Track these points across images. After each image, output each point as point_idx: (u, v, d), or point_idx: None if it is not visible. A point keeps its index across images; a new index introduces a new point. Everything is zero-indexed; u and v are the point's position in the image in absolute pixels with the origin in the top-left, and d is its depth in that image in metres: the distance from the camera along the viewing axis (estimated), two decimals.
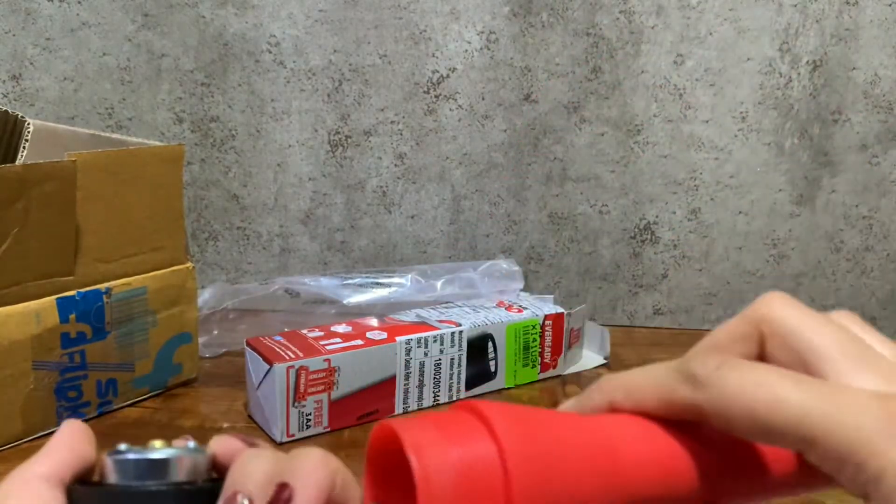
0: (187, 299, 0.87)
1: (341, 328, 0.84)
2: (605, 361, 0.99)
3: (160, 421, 0.82)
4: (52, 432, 0.77)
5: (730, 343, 0.32)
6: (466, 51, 1.11)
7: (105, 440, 0.78)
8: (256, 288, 1.02)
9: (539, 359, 0.92)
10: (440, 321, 0.87)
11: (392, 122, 1.13)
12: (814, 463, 0.27)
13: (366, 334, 0.82)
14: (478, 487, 0.27)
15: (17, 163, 0.75)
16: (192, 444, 0.30)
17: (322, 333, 0.82)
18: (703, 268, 1.18)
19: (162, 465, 0.29)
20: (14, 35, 1.10)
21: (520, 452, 0.27)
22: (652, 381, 0.31)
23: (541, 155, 1.14)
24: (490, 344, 0.88)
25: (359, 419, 0.80)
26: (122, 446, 0.29)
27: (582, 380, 0.95)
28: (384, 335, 0.82)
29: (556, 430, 0.29)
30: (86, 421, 0.78)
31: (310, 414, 0.77)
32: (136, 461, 0.29)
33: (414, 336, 0.82)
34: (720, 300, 1.19)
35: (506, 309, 0.92)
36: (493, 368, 0.89)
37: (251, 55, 1.11)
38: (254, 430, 0.78)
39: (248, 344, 0.79)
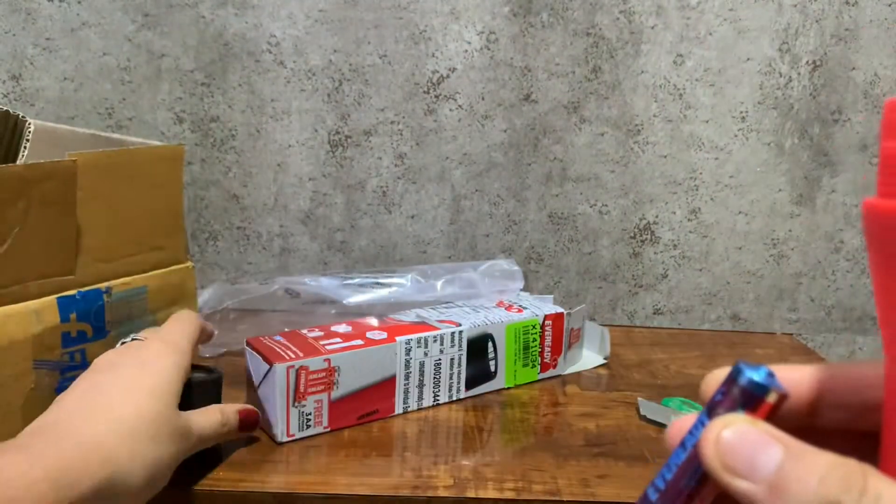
0: (187, 299, 0.87)
1: (341, 328, 0.84)
2: (604, 361, 0.99)
3: None
4: None
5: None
6: (466, 51, 1.11)
7: None
8: (256, 288, 1.01)
9: (539, 359, 0.92)
10: (440, 321, 0.87)
11: (392, 122, 1.13)
12: None
13: (366, 334, 0.82)
14: None
15: (18, 163, 0.75)
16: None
17: (322, 333, 0.82)
18: (702, 268, 1.18)
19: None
20: (14, 35, 1.10)
21: None
22: None
23: (541, 155, 1.14)
24: (490, 344, 0.88)
25: (359, 419, 0.80)
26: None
27: (582, 380, 0.95)
28: (384, 335, 0.82)
29: None
30: None
31: (310, 414, 0.77)
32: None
33: (414, 336, 0.82)
34: (720, 300, 1.19)
35: (506, 309, 0.92)
36: (492, 368, 0.89)
37: (251, 55, 1.11)
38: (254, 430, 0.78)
39: (248, 344, 0.79)
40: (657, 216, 1.16)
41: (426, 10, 1.10)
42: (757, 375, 0.31)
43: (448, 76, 1.12)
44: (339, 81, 1.12)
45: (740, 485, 0.28)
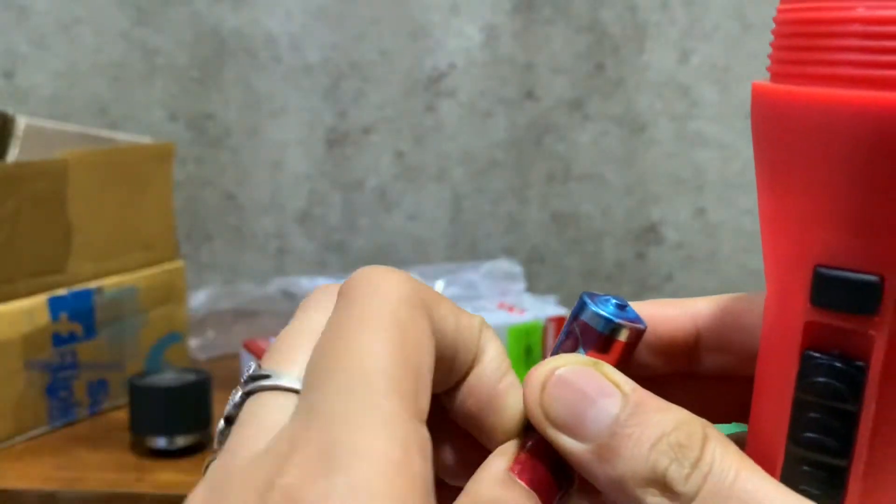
0: (177, 298, 0.87)
1: None
2: None
3: None
4: (43, 433, 0.76)
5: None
6: (467, 47, 1.10)
7: (98, 442, 0.76)
8: (252, 289, 1.01)
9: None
10: None
11: (391, 120, 1.12)
12: None
13: None
14: None
15: (8, 161, 0.76)
16: None
17: None
18: (709, 269, 1.17)
19: None
20: (7, 32, 1.09)
21: None
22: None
23: (543, 153, 1.13)
24: None
25: None
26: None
27: None
28: None
29: None
30: (77, 422, 0.77)
31: None
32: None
33: None
34: None
35: (507, 310, 0.91)
36: None
37: (247, 51, 1.10)
38: None
39: (245, 346, 0.78)
40: (662, 216, 1.15)
41: (426, 5, 1.09)
42: (604, 309, 0.26)
43: (448, 73, 1.11)
44: (336, 78, 1.11)
45: (565, 443, 0.23)
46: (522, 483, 0.24)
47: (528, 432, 0.26)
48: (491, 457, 0.25)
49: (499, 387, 0.27)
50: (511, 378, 0.27)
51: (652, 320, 0.28)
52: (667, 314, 0.28)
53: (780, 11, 0.21)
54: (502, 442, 0.26)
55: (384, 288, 0.24)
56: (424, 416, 0.22)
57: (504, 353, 0.28)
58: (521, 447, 0.25)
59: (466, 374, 0.27)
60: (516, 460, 0.25)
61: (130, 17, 1.09)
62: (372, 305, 0.23)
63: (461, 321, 0.26)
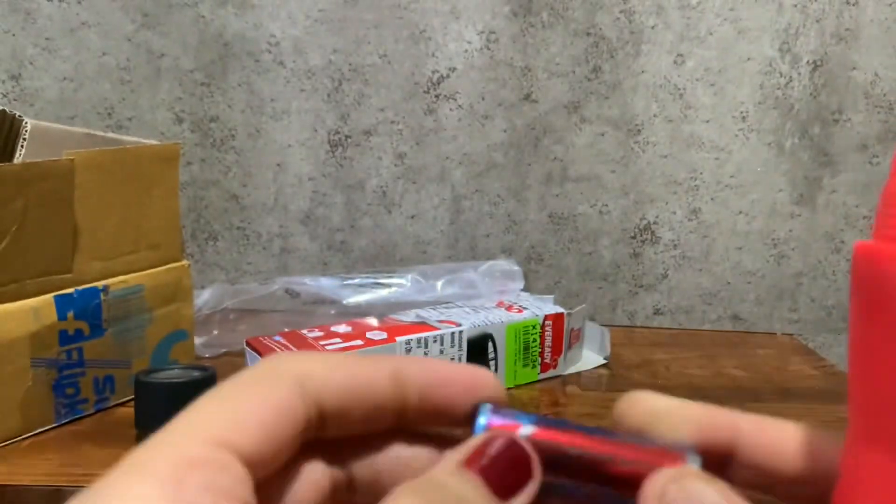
0: (183, 297, 0.87)
1: (341, 328, 0.84)
2: (605, 361, 0.99)
3: None
4: (49, 429, 0.77)
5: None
6: (466, 50, 1.11)
7: (104, 438, 0.77)
8: (256, 288, 1.01)
9: (539, 359, 0.91)
10: (440, 321, 0.86)
11: (392, 122, 1.13)
12: None
13: (366, 334, 0.82)
14: None
15: (15, 162, 0.76)
16: None
17: (322, 334, 0.82)
18: (703, 268, 1.18)
19: None
20: (14, 35, 1.10)
21: None
22: None
23: (541, 155, 1.14)
24: (490, 344, 0.87)
25: None
26: None
27: (582, 380, 0.94)
28: (384, 335, 0.82)
29: None
30: (83, 418, 0.78)
31: None
32: None
33: (414, 336, 0.82)
34: (720, 300, 1.19)
35: (506, 309, 0.92)
36: (493, 369, 0.88)
37: (251, 55, 1.11)
38: None
39: (248, 344, 0.79)
40: (657, 216, 1.16)
41: (426, 10, 1.10)
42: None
43: (448, 76, 1.12)
44: (338, 81, 1.12)
45: None
46: (472, 473, 0.26)
47: (480, 429, 0.28)
48: (448, 452, 0.27)
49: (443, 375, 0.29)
50: (449, 364, 0.30)
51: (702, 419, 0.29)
52: (703, 420, 0.29)
53: (888, 186, 0.23)
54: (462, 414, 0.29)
55: (255, 367, 0.28)
56: (231, 443, 0.24)
57: (431, 360, 0.30)
58: (476, 445, 0.27)
59: (405, 403, 0.29)
60: (470, 455, 0.26)
61: (136, 21, 1.10)
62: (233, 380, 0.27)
63: (355, 369, 0.28)
